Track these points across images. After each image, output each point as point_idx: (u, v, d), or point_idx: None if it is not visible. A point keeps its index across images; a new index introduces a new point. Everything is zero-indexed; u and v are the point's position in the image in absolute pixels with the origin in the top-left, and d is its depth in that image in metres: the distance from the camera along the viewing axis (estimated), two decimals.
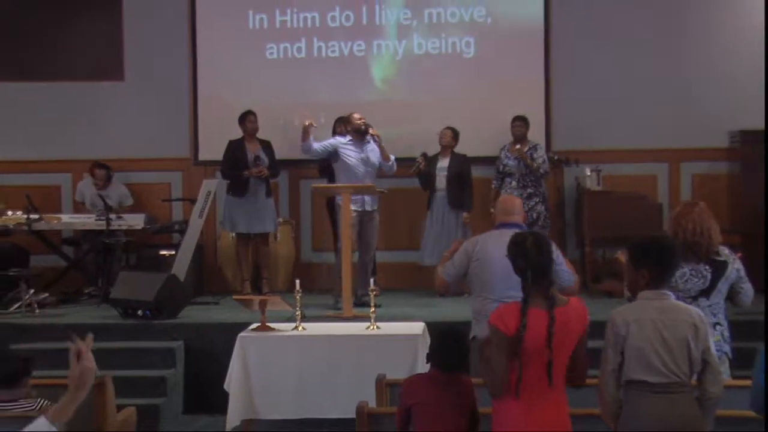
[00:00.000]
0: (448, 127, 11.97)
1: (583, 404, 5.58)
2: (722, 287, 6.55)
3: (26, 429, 3.93)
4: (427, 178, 11.90)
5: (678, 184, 12.68)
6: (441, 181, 11.86)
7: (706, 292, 6.52)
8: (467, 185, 11.86)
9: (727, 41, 12.57)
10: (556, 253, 6.88)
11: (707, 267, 6.50)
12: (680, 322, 5.16)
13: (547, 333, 5.01)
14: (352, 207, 10.82)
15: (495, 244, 7.02)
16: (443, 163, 11.89)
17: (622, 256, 6.31)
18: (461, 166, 11.87)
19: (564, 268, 7.08)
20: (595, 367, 5.32)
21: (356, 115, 11.10)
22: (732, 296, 6.66)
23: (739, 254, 6.77)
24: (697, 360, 5.13)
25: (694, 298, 6.44)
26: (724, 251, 6.60)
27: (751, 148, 11.92)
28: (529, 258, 5.20)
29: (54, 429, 3.89)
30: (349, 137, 11.13)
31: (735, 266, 6.59)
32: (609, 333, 5.24)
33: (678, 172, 12.69)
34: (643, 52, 12.57)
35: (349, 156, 11.01)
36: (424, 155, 11.89)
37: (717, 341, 6.42)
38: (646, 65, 12.57)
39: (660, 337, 5.12)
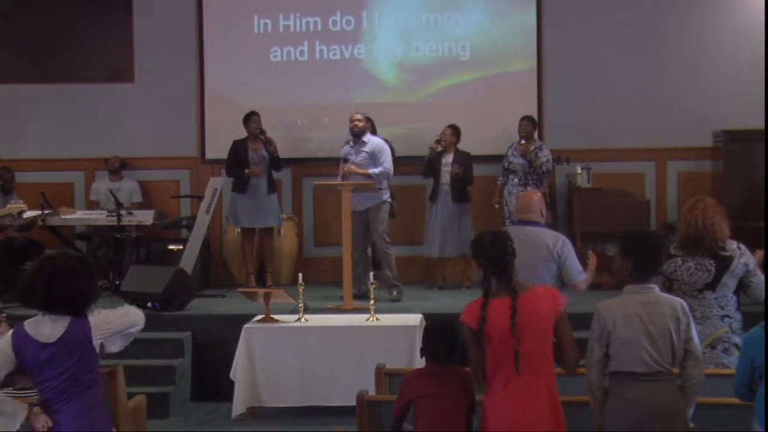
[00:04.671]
0: (448, 126, 12.05)
1: (573, 392, 5.62)
2: (728, 281, 6.67)
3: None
4: (431, 167, 12.04)
5: (664, 181, 12.81)
6: (445, 176, 11.94)
7: (711, 286, 6.66)
8: (468, 181, 12.01)
9: (710, 46, 12.69)
10: (568, 250, 7.19)
11: (712, 261, 6.64)
12: (663, 314, 5.27)
13: (510, 322, 5.18)
14: (351, 207, 10.88)
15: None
16: (447, 159, 11.98)
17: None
18: (464, 163, 11.96)
19: (572, 265, 7.22)
20: (582, 357, 5.42)
21: (354, 116, 11.21)
22: (744, 289, 6.77)
23: (758, 251, 6.87)
24: (679, 350, 5.26)
25: (700, 291, 6.64)
26: (731, 246, 6.72)
27: (734, 147, 12.09)
28: (486, 254, 5.39)
29: None
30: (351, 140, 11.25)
31: (742, 261, 6.69)
32: (595, 326, 5.35)
33: (664, 170, 12.82)
34: (632, 55, 12.70)
35: (347, 159, 11.12)
36: (438, 142, 12.00)
37: (725, 333, 6.66)
38: (634, 68, 12.70)
39: (645, 330, 5.23)
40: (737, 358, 6.45)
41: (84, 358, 5.09)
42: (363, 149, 11.14)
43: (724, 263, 6.68)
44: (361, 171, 10.99)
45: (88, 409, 5.12)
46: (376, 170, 11.03)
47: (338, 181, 11.00)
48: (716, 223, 6.71)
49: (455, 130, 12.10)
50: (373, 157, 11.09)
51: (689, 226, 6.69)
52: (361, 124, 11.20)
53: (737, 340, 6.68)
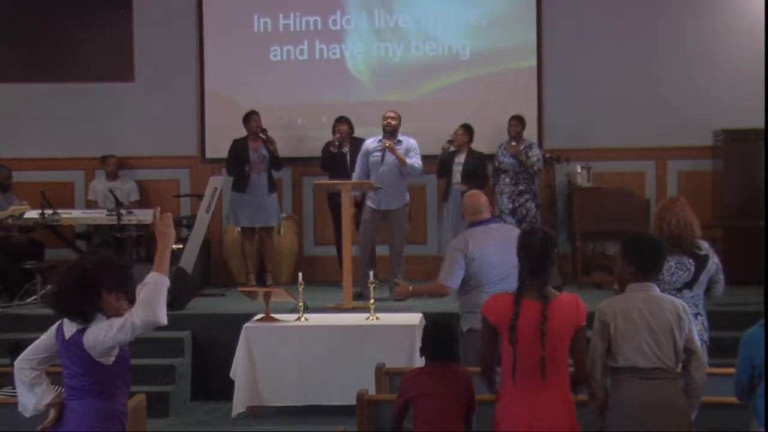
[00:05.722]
0: (461, 125, 12.05)
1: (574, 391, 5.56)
2: (703, 279, 6.79)
3: (145, 281, 4.89)
4: (443, 167, 12.09)
5: (664, 181, 12.82)
6: (457, 176, 11.96)
7: (689, 285, 6.74)
8: (481, 181, 11.90)
9: (711, 45, 12.71)
10: None
11: (691, 260, 6.72)
12: (665, 311, 5.33)
13: (539, 327, 5.17)
14: (370, 204, 11.11)
15: (487, 242, 7.39)
16: (460, 158, 12.00)
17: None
18: (476, 163, 11.98)
19: None
20: None
21: (387, 114, 11.35)
22: (709, 287, 6.88)
23: None
24: (681, 349, 5.30)
25: (678, 290, 6.64)
26: (704, 245, 6.83)
27: (734, 147, 12.12)
28: (534, 251, 5.35)
29: (167, 281, 4.94)
30: (381, 135, 11.33)
31: (715, 260, 6.84)
32: (596, 322, 5.39)
33: (664, 169, 12.83)
34: (632, 54, 12.71)
35: (373, 154, 11.23)
36: (450, 142, 12.05)
37: (699, 330, 6.55)
38: (634, 67, 12.71)
39: (647, 325, 5.28)
40: (706, 356, 6.63)
41: (89, 370, 5.04)
42: (397, 147, 11.26)
43: (701, 262, 6.78)
44: (400, 154, 11.14)
45: (95, 417, 5.08)
46: (414, 162, 11.20)
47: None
48: (693, 221, 6.80)
49: (468, 130, 12.10)
50: (407, 155, 11.24)
51: (669, 225, 6.74)
52: (394, 122, 11.34)
53: (707, 337, 6.85)
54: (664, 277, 6.60)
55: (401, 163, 11.17)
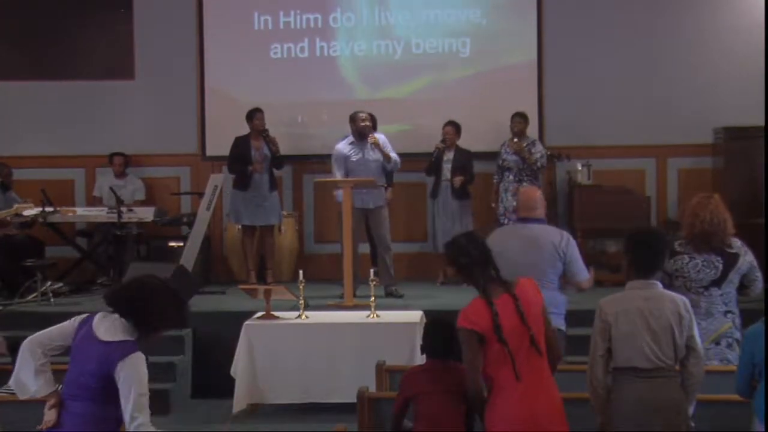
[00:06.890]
0: (449, 123, 12.11)
1: (570, 389, 5.64)
2: (733, 278, 6.75)
3: None
4: (433, 165, 12.10)
5: (665, 178, 12.81)
6: (446, 173, 12.01)
7: (717, 282, 6.72)
8: (469, 178, 12.03)
9: (711, 43, 12.69)
10: (573, 247, 7.15)
11: (719, 258, 6.70)
12: (665, 310, 5.33)
13: (518, 314, 5.16)
14: (355, 204, 10.97)
15: (514, 237, 7.24)
16: (449, 155, 12.04)
17: None
18: (464, 160, 12.02)
19: (577, 264, 7.20)
20: (583, 353, 5.52)
21: (361, 115, 11.24)
22: (747, 285, 6.84)
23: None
24: (681, 346, 5.31)
25: (705, 288, 6.69)
26: (736, 243, 6.80)
27: (734, 144, 12.09)
28: (469, 253, 5.39)
29: None
30: (351, 138, 11.29)
31: (747, 258, 6.79)
32: (597, 321, 5.42)
33: (665, 167, 12.82)
34: (633, 52, 12.69)
35: (351, 159, 11.21)
36: (443, 142, 12.07)
37: (729, 329, 6.73)
38: (634, 65, 12.70)
39: (647, 325, 5.29)
40: (737, 353, 6.62)
41: (102, 374, 4.96)
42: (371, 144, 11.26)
43: (731, 260, 6.73)
44: (384, 150, 11.17)
45: (93, 421, 5.04)
46: (395, 156, 11.27)
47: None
48: (726, 219, 6.76)
49: (456, 127, 12.15)
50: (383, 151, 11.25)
51: (703, 222, 6.71)
52: (369, 124, 11.29)
53: (738, 335, 6.76)
54: (690, 275, 6.66)
55: (386, 158, 11.21)
